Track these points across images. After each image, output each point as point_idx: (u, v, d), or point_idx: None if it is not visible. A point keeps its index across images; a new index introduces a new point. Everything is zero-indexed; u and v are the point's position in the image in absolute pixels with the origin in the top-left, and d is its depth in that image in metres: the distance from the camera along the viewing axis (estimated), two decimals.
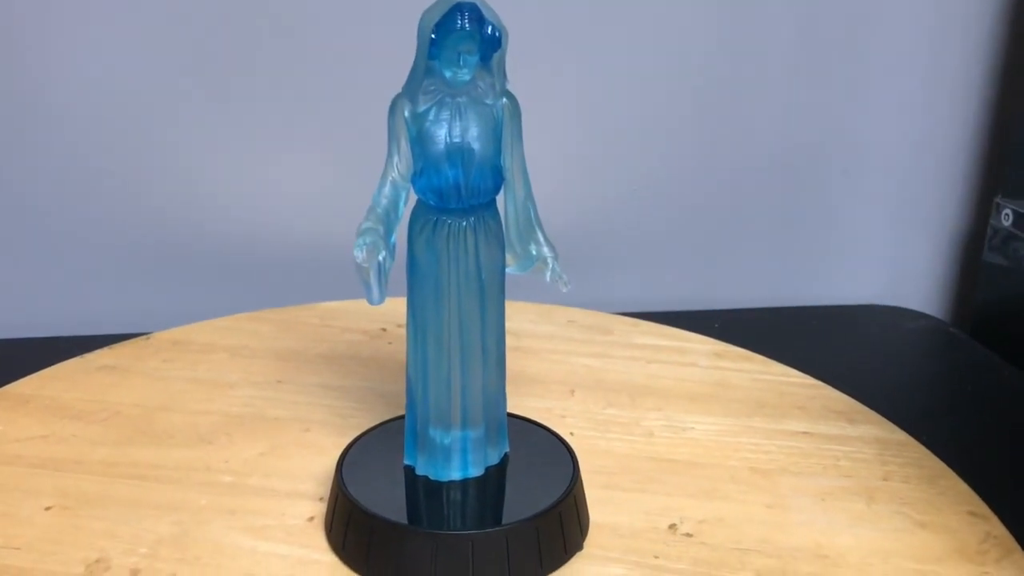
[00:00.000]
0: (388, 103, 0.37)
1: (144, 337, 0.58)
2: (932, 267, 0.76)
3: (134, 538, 0.40)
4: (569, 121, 0.68)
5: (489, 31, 0.35)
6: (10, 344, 0.63)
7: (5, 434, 0.48)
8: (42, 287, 0.67)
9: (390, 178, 0.37)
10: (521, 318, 0.62)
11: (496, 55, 0.36)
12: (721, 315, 0.69)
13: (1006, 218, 0.68)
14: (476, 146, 0.37)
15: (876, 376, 0.62)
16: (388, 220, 0.37)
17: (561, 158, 0.67)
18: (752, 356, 0.58)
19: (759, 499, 0.44)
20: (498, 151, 0.38)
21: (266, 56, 0.64)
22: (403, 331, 0.55)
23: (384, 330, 0.60)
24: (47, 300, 0.67)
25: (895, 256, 0.75)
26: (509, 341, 0.41)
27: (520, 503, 0.39)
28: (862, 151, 0.71)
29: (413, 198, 0.38)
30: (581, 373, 0.56)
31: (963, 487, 0.46)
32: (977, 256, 0.72)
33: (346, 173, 0.65)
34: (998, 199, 0.69)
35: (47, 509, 0.42)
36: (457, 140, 0.36)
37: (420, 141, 0.36)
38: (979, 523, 0.43)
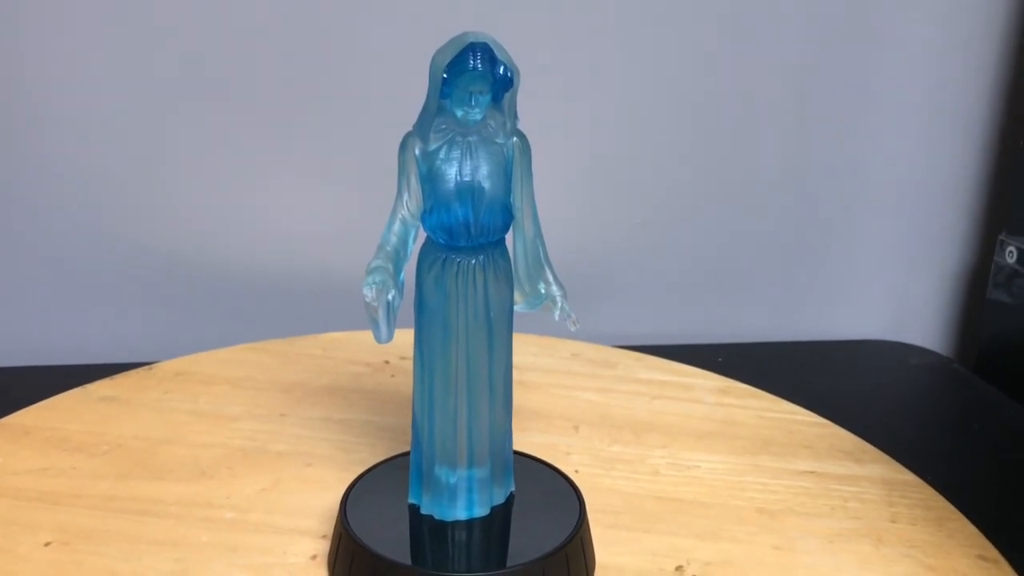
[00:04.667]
0: (398, 139, 0.37)
1: (146, 368, 0.58)
2: (936, 304, 0.76)
3: None
4: (572, 156, 0.68)
5: (501, 71, 0.35)
6: (10, 373, 0.62)
7: (4, 466, 0.47)
8: (44, 315, 0.67)
9: (399, 216, 0.37)
10: (524, 351, 0.62)
11: (508, 95, 0.36)
12: (724, 349, 0.69)
13: (1010, 255, 0.68)
14: (486, 185, 0.36)
15: (879, 412, 0.61)
16: (397, 258, 0.37)
17: (564, 192, 0.67)
18: (758, 393, 0.58)
19: (766, 540, 0.44)
20: (508, 190, 0.38)
21: (275, 88, 0.64)
22: (406, 363, 0.55)
23: (387, 362, 0.59)
24: (49, 328, 0.67)
25: (899, 292, 0.75)
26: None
27: (526, 544, 0.39)
28: (866, 187, 0.72)
29: (422, 235, 0.38)
30: (585, 408, 0.55)
31: (971, 529, 0.45)
32: (981, 293, 0.72)
33: (352, 205, 0.65)
34: (1002, 236, 0.69)
35: (46, 545, 0.42)
36: (467, 179, 0.36)
37: (430, 179, 0.36)
38: (989, 567, 0.42)
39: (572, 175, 0.68)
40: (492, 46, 0.35)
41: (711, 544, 0.43)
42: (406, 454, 0.42)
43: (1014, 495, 0.52)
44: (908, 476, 0.50)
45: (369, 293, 0.36)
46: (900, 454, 0.52)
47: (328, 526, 0.43)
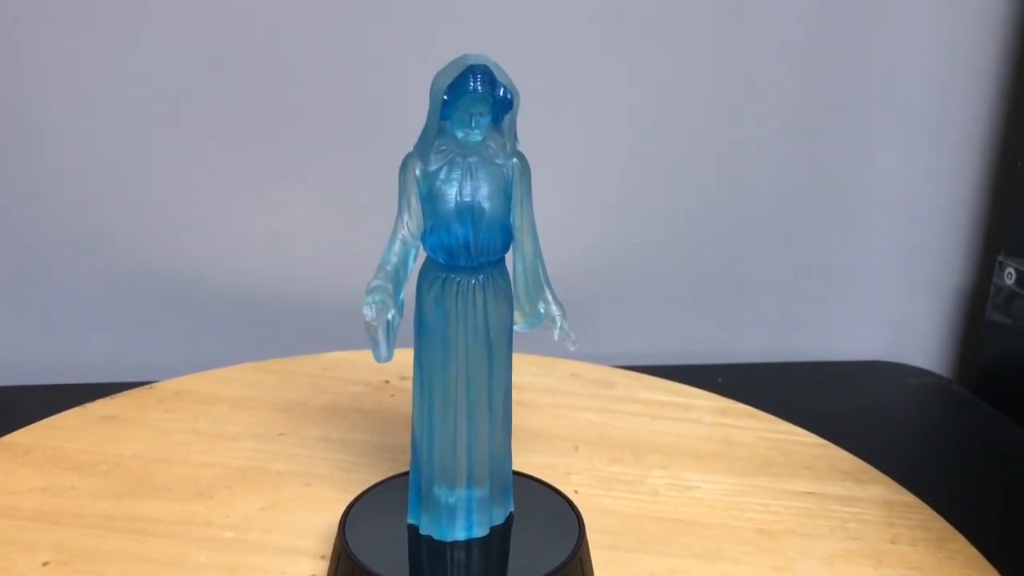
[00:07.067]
0: (399, 159, 0.37)
1: (147, 387, 0.58)
2: (935, 324, 0.76)
3: None
4: (572, 177, 0.68)
5: (501, 93, 0.35)
6: (10, 391, 0.62)
7: (3, 486, 0.47)
8: (44, 334, 0.67)
9: (400, 236, 0.37)
10: (523, 371, 0.62)
11: (507, 116, 0.36)
12: (723, 370, 0.69)
13: (1009, 277, 0.68)
14: (486, 205, 0.37)
15: (879, 433, 0.61)
16: (397, 278, 0.37)
17: (564, 212, 0.67)
18: (757, 413, 0.58)
19: (766, 561, 0.44)
20: (508, 210, 0.38)
21: (275, 109, 0.64)
22: (406, 383, 0.55)
23: (387, 382, 0.59)
24: (49, 348, 0.67)
25: (898, 313, 0.75)
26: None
27: (525, 565, 0.39)
28: (865, 208, 0.72)
29: (422, 255, 0.39)
30: (585, 428, 0.55)
31: (972, 551, 0.45)
32: (980, 314, 0.72)
33: (352, 224, 0.66)
34: (1001, 257, 0.69)
35: (44, 565, 0.42)
36: (467, 199, 0.36)
37: (431, 200, 0.37)
38: None
39: (572, 196, 0.68)
40: (492, 68, 0.35)
41: (710, 565, 0.43)
42: (405, 474, 0.42)
43: (1014, 516, 0.52)
44: (908, 497, 0.50)
45: (369, 312, 0.36)
46: (899, 475, 0.52)
47: (327, 546, 0.42)
